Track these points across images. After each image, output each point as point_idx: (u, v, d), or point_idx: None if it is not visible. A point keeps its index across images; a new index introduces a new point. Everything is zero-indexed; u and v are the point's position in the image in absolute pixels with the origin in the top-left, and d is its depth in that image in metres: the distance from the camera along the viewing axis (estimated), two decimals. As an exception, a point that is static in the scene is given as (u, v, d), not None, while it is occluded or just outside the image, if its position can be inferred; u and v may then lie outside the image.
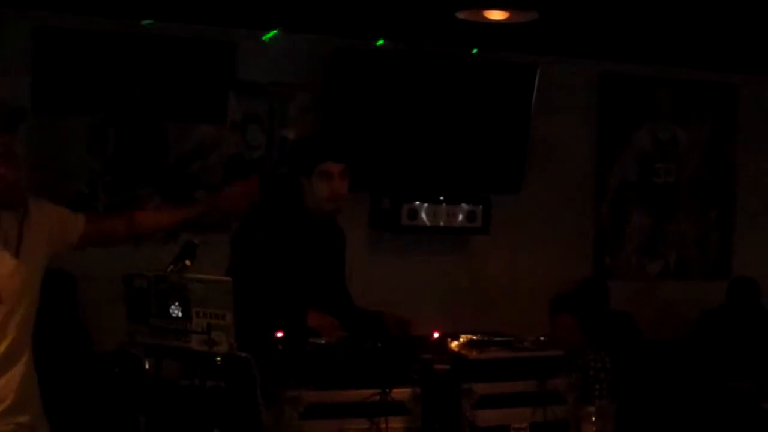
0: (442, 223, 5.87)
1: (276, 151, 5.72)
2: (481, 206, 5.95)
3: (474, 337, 3.65)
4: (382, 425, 3.25)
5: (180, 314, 3.05)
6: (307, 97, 5.75)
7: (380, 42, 5.72)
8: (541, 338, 3.75)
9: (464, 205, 5.92)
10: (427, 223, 5.84)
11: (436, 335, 3.65)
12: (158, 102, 5.49)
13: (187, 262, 3.44)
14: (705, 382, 5.72)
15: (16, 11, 5.12)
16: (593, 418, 3.76)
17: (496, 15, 4.82)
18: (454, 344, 3.59)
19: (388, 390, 3.27)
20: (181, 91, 5.52)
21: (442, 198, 5.87)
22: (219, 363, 3.05)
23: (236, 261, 3.77)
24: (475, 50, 5.93)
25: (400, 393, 3.32)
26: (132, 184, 5.45)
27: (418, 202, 5.81)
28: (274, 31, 4.95)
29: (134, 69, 5.43)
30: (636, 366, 5.53)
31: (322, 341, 3.39)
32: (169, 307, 3.06)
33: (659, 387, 5.69)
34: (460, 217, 5.91)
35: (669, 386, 5.74)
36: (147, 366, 3.15)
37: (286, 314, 3.65)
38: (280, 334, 3.43)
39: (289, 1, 4.92)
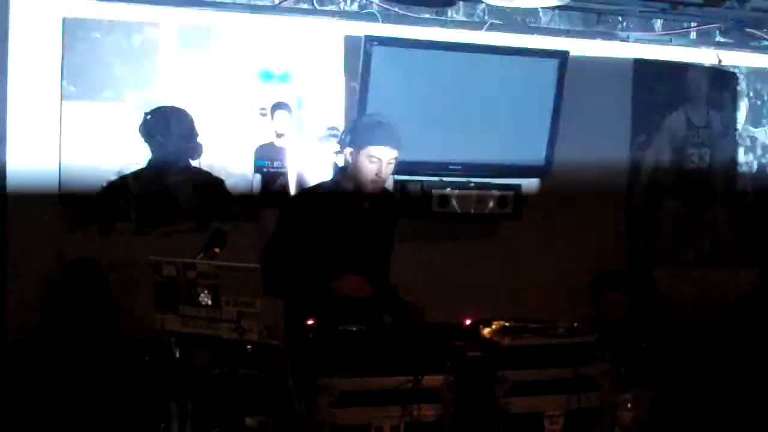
0: (472, 210, 5.82)
1: (304, 139, 5.70)
2: (512, 192, 5.90)
3: (506, 324, 3.62)
4: (415, 413, 3.23)
5: (209, 302, 3.04)
6: (338, 85, 5.71)
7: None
8: (575, 324, 3.71)
9: (495, 192, 5.86)
10: (458, 210, 5.79)
11: (468, 322, 3.62)
12: (189, 90, 5.47)
13: (217, 250, 3.44)
14: (739, 367, 5.65)
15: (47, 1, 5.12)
16: (629, 405, 3.72)
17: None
18: (486, 331, 3.56)
19: (420, 377, 3.25)
20: (211, 79, 5.50)
21: (472, 184, 5.82)
22: (249, 351, 3.04)
23: (277, 231, 3.90)
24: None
25: (433, 380, 3.29)
26: (163, 174, 5.44)
27: (449, 189, 5.77)
28: None
29: (165, 57, 5.41)
30: (675, 351, 5.47)
31: (354, 328, 3.37)
32: (198, 295, 3.05)
33: (695, 372, 5.63)
34: (491, 203, 5.86)
35: (704, 371, 5.68)
36: (177, 354, 3.14)
37: (314, 284, 3.69)
38: (311, 322, 3.41)
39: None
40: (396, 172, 4.20)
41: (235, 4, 5.37)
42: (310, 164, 5.67)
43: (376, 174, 3.87)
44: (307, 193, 4.33)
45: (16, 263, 5.13)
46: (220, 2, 5.29)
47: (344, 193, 3.94)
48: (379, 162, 3.86)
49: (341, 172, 4.05)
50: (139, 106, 5.39)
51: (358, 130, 4.00)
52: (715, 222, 6.69)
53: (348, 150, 3.94)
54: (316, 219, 3.89)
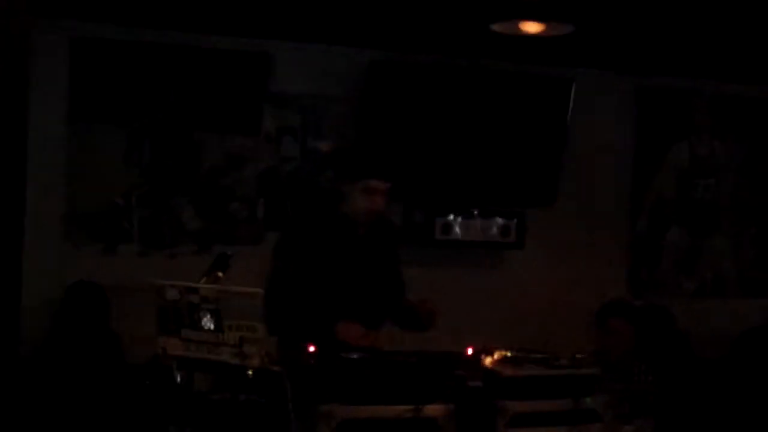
0: (476, 238, 5.82)
1: (310, 163, 5.71)
2: (515, 220, 5.90)
3: (508, 354, 3.60)
4: (415, 442, 3.22)
5: (212, 327, 3.03)
6: (342, 110, 5.74)
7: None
8: (577, 355, 3.70)
9: (498, 219, 5.87)
10: (461, 237, 5.79)
11: (470, 351, 3.61)
12: (193, 113, 5.50)
13: (220, 274, 3.44)
14: (746, 401, 5.63)
15: (54, 22, 5.15)
16: (629, 438, 3.70)
17: (531, 27, 4.80)
18: (488, 360, 3.55)
19: (421, 406, 3.24)
20: (216, 102, 5.53)
21: (476, 212, 5.83)
22: (251, 377, 3.03)
23: (276, 263, 3.90)
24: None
25: (434, 410, 3.28)
26: (167, 196, 5.46)
27: (451, 216, 5.78)
28: None
29: (170, 80, 5.44)
30: (682, 385, 5.44)
31: (355, 356, 3.36)
32: (201, 319, 3.04)
33: (700, 405, 5.60)
34: (494, 231, 5.86)
35: (710, 405, 5.65)
36: (178, 378, 3.13)
37: (315, 325, 3.70)
38: (312, 349, 3.41)
39: (325, 13, 4.92)
40: (398, 199, 4.22)
41: (239, 28, 5.39)
42: (314, 189, 5.69)
43: (371, 205, 3.90)
44: (302, 222, 4.35)
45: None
46: (225, 26, 5.32)
47: (340, 220, 3.95)
48: (373, 193, 3.90)
49: (337, 200, 4.06)
50: (145, 128, 5.41)
51: (353, 163, 4.06)
52: (717, 253, 6.68)
53: (345, 183, 3.95)
54: (312, 246, 3.89)
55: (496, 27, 4.84)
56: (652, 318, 5.80)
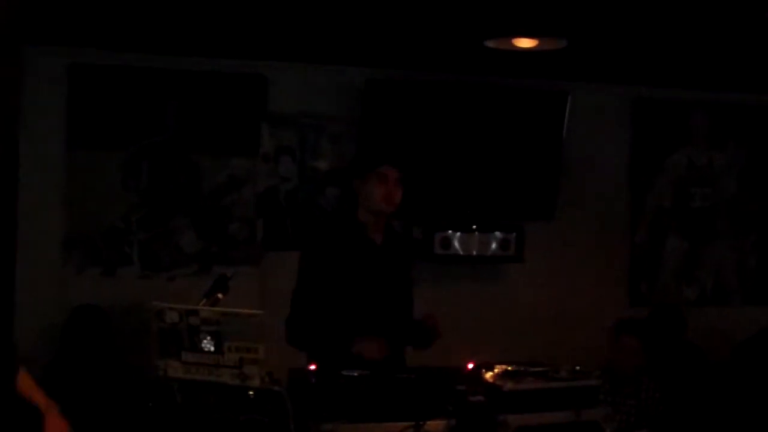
0: (475, 252, 5.84)
1: (308, 183, 5.73)
2: (514, 234, 5.91)
3: (509, 368, 3.61)
4: (417, 458, 3.22)
5: (212, 348, 3.04)
6: (339, 128, 5.76)
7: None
8: (577, 368, 3.70)
9: (497, 234, 5.89)
10: (460, 252, 5.81)
11: (470, 366, 3.62)
12: (191, 136, 5.53)
13: (220, 296, 3.45)
14: (747, 407, 5.62)
15: (51, 48, 5.19)
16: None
17: (525, 43, 4.82)
18: (488, 375, 3.55)
19: (422, 422, 3.24)
20: (213, 124, 5.56)
21: (474, 227, 5.84)
22: (252, 397, 3.04)
23: (299, 278, 3.95)
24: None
25: (435, 425, 3.28)
26: (166, 218, 5.49)
27: (450, 231, 5.79)
28: None
29: (167, 103, 5.48)
30: (691, 394, 5.44)
31: (356, 374, 3.37)
32: (201, 341, 3.06)
33: (701, 413, 5.60)
34: (493, 245, 5.88)
35: (711, 411, 5.65)
36: (180, 400, 3.14)
37: (331, 340, 3.73)
38: (313, 367, 3.42)
39: (320, 32, 4.95)
40: (397, 215, 4.23)
41: (235, 51, 5.42)
42: (313, 208, 5.71)
43: (386, 192, 3.92)
44: (319, 234, 4.38)
45: (22, 306, 5.15)
46: (221, 49, 5.35)
47: (355, 228, 3.98)
48: (386, 180, 3.92)
49: (352, 207, 4.10)
50: (143, 151, 5.44)
51: (362, 159, 4.15)
52: (717, 262, 6.69)
53: (357, 182, 4.00)
54: (333, 259, 3.93)
55: (490, 43, 4.86)
56: (663, 327, 5.80)
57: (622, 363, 4.88)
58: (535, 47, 4.89)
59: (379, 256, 4.00)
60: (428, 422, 3.26)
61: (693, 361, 5.88)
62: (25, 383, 3.45)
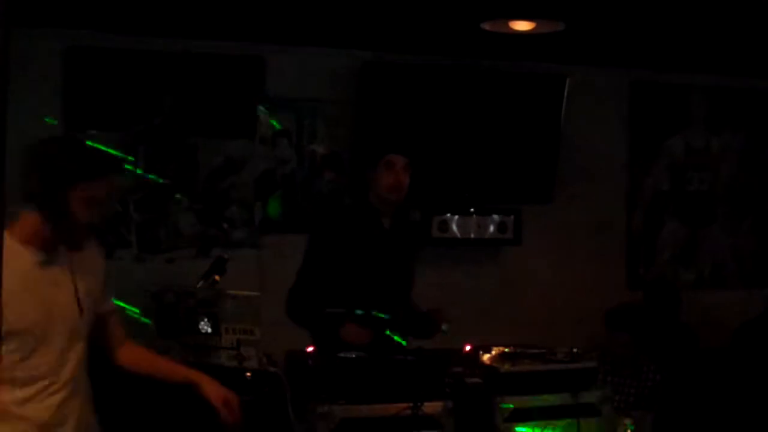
0: (472, 235, 5.84)
1: (306, 166, 5.73)
2: (512, 217, 5.92)
3: (506, 350, 3.63)
4: (414, 439, 3.23)
5: (209, 330, 3.06)
6: (337, 112, 5.75)
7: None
8: (574, 350, 3.72)
9: (495, 216, 5.89)
10: (458, 235, 5.81)
11: (467, 348, 3.63)
12: (188, 119, 5.51)
13: (217, 278, 3.46)
14: (746, 392, 5.64)
15: (48, 31, 5.17)
16: (628, 430, 3.72)
17: (521, 26, 4.81)
18: (485, 357, 3.57)
19: (419, 404, 3.25)
20: (210, 107, 5.54)
21: (472, 210, 5.84)
22: (249, 378, 3.05)
23: (305, 257, 4.00)
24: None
25: (432, 407, 3.30)
26: (164, 201, 5.48)
27: (448, 214, 5.79)
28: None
29: (164, 86, 5.46)
30: (686, 377, 5.46)
31: (353, 355, 3.38)
32: (198, 322, 3.06)
33: (700, 397, 5.62)
34: (491, 228, 5.88)
35: (707, 396, 5.67)
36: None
37: (326, 320, 3.75)
38: (310, 349, 3.43)
39: (317, 15, 4.94)
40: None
41: (232, 33, 5.40)
42: (312, 190, 5.70)
43: (392, 180, 3.97)
44: (330, 214, 4.45)
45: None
46: (218, 32, 5.33)
47: (366, 210, 4.01)
48: (393, 167, 3.96)
49: (361, 194, 4.15)
50: (140, 134, 5.43)
51: (370, 147, 4.20)
52: (715, 245, 6.69)
53: (367, 170, 4.04)
54: (341, 239, 3.96)
55: (486, 26, 4.85)
56: (658, 305, 5.80)
57: (616, 355, 4.90)
58: (532, 30, 4.87)
59: (386, 240, 4.03)
60: (425, 404, 3.28)
61: (686, 344, 5.89)
62: (144, 356, 3.03)
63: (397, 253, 4.08)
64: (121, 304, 3.25)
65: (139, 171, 5.43)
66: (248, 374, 3.04)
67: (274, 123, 5.64)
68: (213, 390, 2.80)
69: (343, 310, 3.74)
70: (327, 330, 3.73)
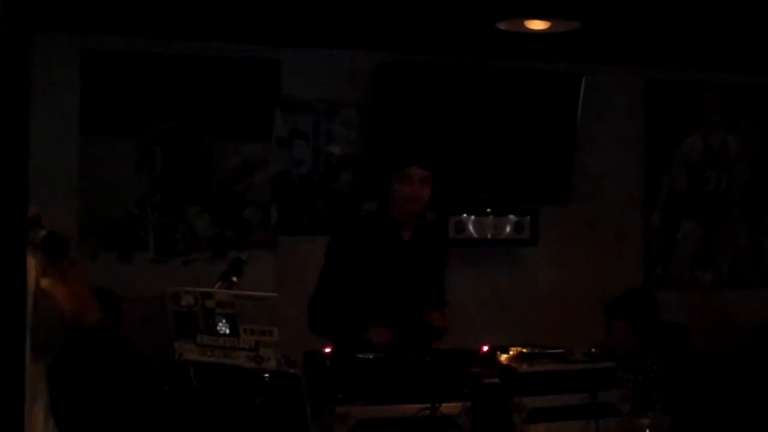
0: (489, 235, 5.83)
1: (322, 167, 5.73)
2: (528, 217, 5.91)
3: (524, 350, 3.62)
4: (432, 440, 3.23)
5: (227, 331, 3.05)
6: (353, 113, 5.75)
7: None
8: (593, 350, 3.70)
9: (511, 217, 5.88)
10: (475, 236, 5.80)
11: (485, 348, 3.62)
12: (205, 121, 5.53)
13: (235, 279, 3.46)
14: (764, 392, 5.60)
15: (65, 35, 5.19)
16: (647, 431, 3.70)
17: (537, 25, 4.80)
18: (503, 357, 3.56)
19: (437, 405, 3.25)
20: (227, 109, 5.56)
21: (489, 210, 5.83)
22: (267, 379, 3.05)
23: (324, 266, 3.98)
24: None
25: (450, 407, 3.29)
26: (180, 203, 5.50)
27: (465, 215, 5.79)
28: None
29: (180, 89, 5.48)
30: (688, 377, 5.43)
31: (371, 356, 3.38)
32: (216, 324, 3.06)
33: (715, 398, 5.59)
34: (508, 228, 5.87)
35: (726, 397, 5.63)
36: (195, 383, 3.15)
37: (348, 329, 3.74)
38: (328, 350, 3.43)
39: (332, 17, 4.94)
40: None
41: (248, 35, 5.41)
42: (328, 191, 5.71)
43: (408, 194, 3.89)
44: (348, 226, 4.39)
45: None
46: (234, 34, 5.34)
47: (385, 221, 3.96)
48: (410, 180, 3.88)
49: (382, 203, 4.09)
50: (157, 136, 5.45)
51: (389, 156, 4.15)
52: (733, 245, 6.65)
53: (387, 180, 3.98)
54: (360, 251, 3.92)
55: (502, 25, 4.84)
56: (642, 309, 5.77)
57: (616, 345, 4.86)
58: (547, 29, 4.87)
59: (406, 253, 3.97)
60: (443, 404, 3.27)
61: (676, 343, 5.84)
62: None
63: (418, 264, 4.01)
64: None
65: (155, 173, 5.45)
66: (266, 375, 3.04)
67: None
68: None
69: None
70: (350, 334, 3.71)
